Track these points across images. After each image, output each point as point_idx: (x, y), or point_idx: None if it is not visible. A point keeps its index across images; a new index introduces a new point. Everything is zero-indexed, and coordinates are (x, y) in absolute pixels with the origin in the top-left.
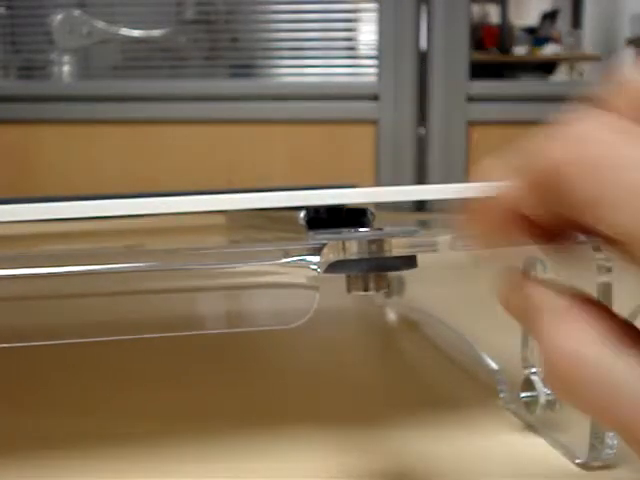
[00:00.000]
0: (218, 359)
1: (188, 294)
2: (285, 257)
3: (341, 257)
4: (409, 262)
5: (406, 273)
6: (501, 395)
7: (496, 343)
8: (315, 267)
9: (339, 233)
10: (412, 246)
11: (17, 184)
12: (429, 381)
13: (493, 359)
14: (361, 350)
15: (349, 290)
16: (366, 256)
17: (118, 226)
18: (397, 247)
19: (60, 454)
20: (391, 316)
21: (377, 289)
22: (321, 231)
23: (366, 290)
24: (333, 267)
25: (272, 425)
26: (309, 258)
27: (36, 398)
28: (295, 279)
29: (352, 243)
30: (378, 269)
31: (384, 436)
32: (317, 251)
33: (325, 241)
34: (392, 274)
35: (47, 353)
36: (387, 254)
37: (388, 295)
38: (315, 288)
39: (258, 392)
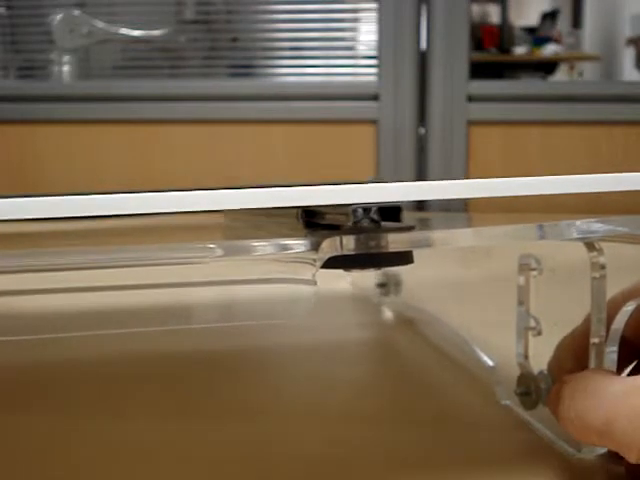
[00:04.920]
0: (214, 356)
1: (185, 289)
2: (283, 252)
3: (338, 252)
4: (406, 258)
5: (402, 271)
6: (496, 391)
7: (492, 339)
8: (313, 262)
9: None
10: (409, 242)
11: (17, 184)
12: (425, 378)
13: (489, 355)
14: (357, 347)
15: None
16: (363, 252)
17: (112, 225)
18: (394, 243)
19: None
20: (387, 314)
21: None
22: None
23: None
24: (330, 262)
25: (265, 422)
26: (307, 253)
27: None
28: (293, 274)
29: (349, 239)
30: (375, 264)
31: (379, 433)
32: (315, 246)
33: (323, 237)
34: (389, 272)
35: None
36: (384, 250)
37: (384, 293)
38: (313, 283)
39: (250, 390)
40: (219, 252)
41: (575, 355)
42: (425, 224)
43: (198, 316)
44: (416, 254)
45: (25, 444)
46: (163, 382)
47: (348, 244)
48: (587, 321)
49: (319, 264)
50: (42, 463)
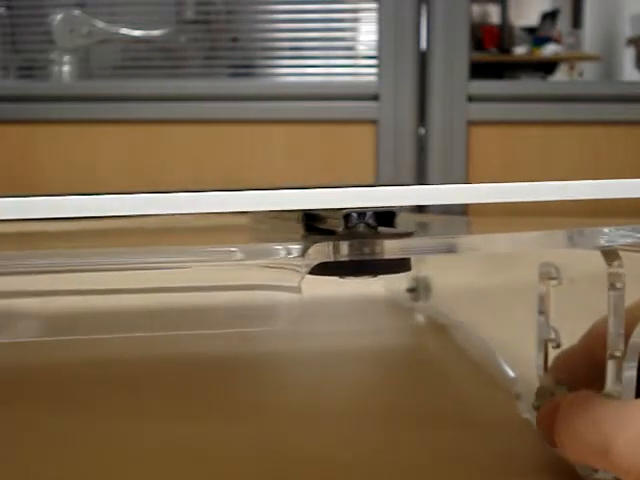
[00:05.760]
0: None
1: (168, 294)
2: (272, 257)
3: (329, 259)
4: (404, 265)
5: (432, 276)
6: (517, 404)
7: (521, 350)
8: (299, 268)
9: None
10: (406, 249)
11: (17, 184)
12: (452, 385)
13: (511, 366)
14: (388, 351)
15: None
16: (357, 258)
17: (116, 225)
18: (390, 249)
19: None
20: (419, 319)
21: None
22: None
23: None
24: (323, 269)
25: (291, 425)
26: (294, 260)
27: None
28: (279, 281)
29: (343, 244)
30: (369, 271)
31: (403, 434)
32: (302, 252)
33: (312, 242)
34: (419, 277)
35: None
36: (379, 257)
37: (415, 298)
38: (297, 291)
39: (277, 393)
40: (203, 256)
41: (571, 373)
42: (424, 228)
43: (182, 324)
44: (444, 258)
45: (34, 447)
46: (167, 385)
47: (342, 250)
48: (584, 340)
49: (305, 270)
50: (48, 464)
